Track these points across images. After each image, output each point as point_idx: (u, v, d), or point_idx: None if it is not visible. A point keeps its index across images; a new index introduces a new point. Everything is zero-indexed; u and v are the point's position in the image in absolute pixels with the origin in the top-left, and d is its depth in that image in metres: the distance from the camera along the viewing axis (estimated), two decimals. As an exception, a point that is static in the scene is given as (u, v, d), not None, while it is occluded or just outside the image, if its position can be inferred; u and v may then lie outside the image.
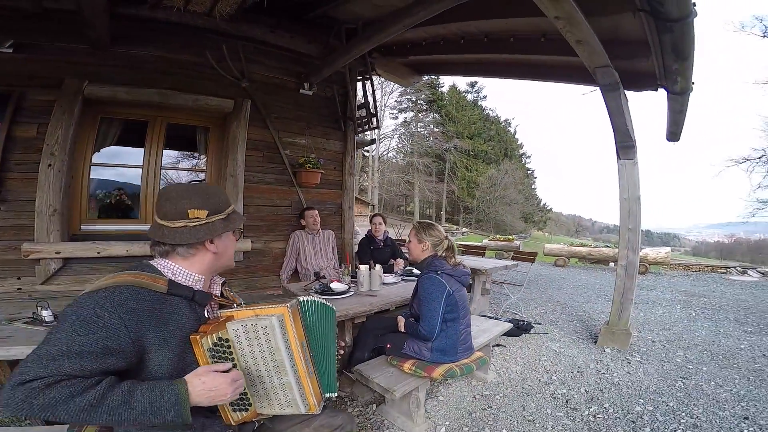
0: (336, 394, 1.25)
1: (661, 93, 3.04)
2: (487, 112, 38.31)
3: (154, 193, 3.25)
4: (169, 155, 3.49)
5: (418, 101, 33.36)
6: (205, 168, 3.61)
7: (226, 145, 3.43)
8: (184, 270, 1.04)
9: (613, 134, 3.16)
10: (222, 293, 1.18)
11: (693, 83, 2.74)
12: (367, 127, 4.34)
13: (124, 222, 3.25)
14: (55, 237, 2.66)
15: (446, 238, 2.21)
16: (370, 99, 4.27)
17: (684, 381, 2.73)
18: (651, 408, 2.37)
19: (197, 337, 0.96)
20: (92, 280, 2.59)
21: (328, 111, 4.16)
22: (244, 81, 3.40)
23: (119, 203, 3.32)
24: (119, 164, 3.31)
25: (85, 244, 2.79)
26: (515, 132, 41.09)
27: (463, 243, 14.23)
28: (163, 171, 3.34)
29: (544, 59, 3.62)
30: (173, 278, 1.02)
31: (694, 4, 2.00)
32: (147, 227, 3.09)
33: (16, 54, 2.62)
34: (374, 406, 2.40)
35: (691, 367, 2.98)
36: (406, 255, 4.06)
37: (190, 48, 3.23)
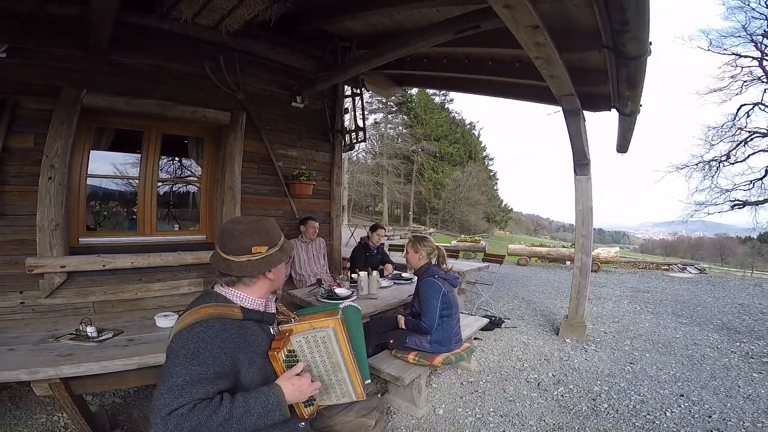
0: (369, 380, 1.52)
1: (614, 112, 3.48)
2: (453, 114, 39.23)
3: (151, 204, 3.29)
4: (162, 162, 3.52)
5: (388, 103, 33.67)
6: (199, 178, 3.68)
7: (224, 157, 3.50)
8: (249, 296, 1.23)
9: (572, 153, 3.63)
10: (277, 309, 1.37)
11: (641, 106, 3.22)
12: (355, 139, 4.60)
13: (123, 234, 3.26)
14: (57, 251, 2.64)
15: (437, 248, 2.57)
16: (359, 113, 4.51)
17: (631, 366, 3.21)
18: (606, 388, 2.81)
19: (274, 353, 1.18)
20: (95, 293, 2.73)
21: (318, 123, 4.35)
22: (239, 93, 3.50)
23: (116, 214, 3.33)
24: (116, 176, 3.32)
25: (91, 258, 2.80)
26: (479, 135, 42.46)
27: (432, 243, 14.80)
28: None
29: (518, 81, 3.99)
30: (242, 304, 1.20)
31: (651, 43, 2.35)
32: (146, 239, 3.24)
33: (9, 59, 2.52)
34: (380, 395, 2.69)
35: (636, 354, 3.47)
36: (395, 262, 4.46)
37: (186, 57, 3.25)
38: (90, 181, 3.09)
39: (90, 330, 1.81)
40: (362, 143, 4.77)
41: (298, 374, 1.17)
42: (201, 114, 3.30)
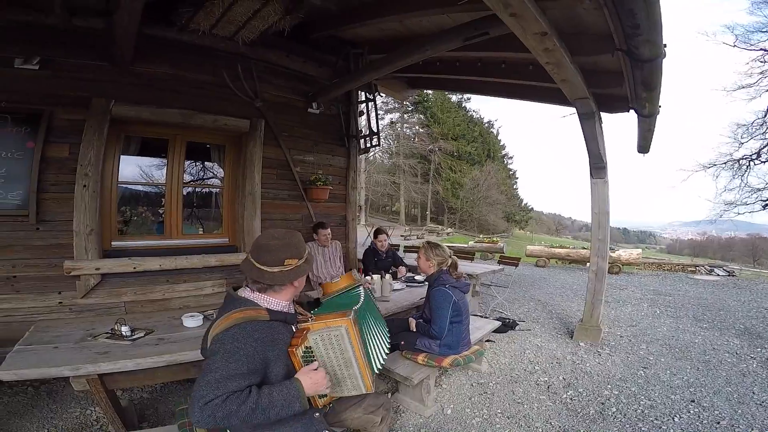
0: (377, 373, 1.61)
1: (633, 113, 3.39)
2: (471, 113, 38.81)
3: (177, 209, 3.48)
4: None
5: (404, 103, 33.70)
6: (221, 184, 3.86)
7: (244, 163, 3.66)
8: (276, 301, 1.39)
9: (588, 156, 3.59)
10: (295, 309, 1.52)
11: (660, 107, 3.15)
12: (369, 144, 4.69)
13: (152, 238, 3.46)
14: (92, 254, 2.83)
15: (450, 257, 2.61)
16: (373, 118, 4.59)
17: (645, 370, 3.17)
18: (617, 392, 2.79)
19: (293, 349, 1.33)
20: (126, 294, 2.95)
21: (333, 128, 4.46)
22: (257, 101, 3.64)
23: (145, 219, 3.54)
24: (144, 183, 3.51)
25: (123, 261, 2.97)
26: (498, 133, 42.05)
27: (449, 245, 14.70)
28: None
29: (532, 83, 3.94)
30: (268, 307, 1.35)
31: (665, 46, 2.32)
32: (172, 242, 3.44)
33: (41, 71, 2.67)
34: (389, 394, 2.78)
35: (651, 358, 3.42)
36: (408, 264, 4.53)
37: (205, 67, 3.39)
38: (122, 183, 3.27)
39: (125, 329, 1.98)
40: (377, 147, 4.86)
41: (314, 369, 1.31)
42: (222, 122, 3.46)
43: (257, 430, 1.36)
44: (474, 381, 3.01)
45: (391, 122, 34.83)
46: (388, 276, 3.31)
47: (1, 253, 2.56)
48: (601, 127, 3.44)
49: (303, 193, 4.12)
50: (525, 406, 2.63)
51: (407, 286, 3.67)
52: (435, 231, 28.68)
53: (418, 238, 22.82)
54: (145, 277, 3.13)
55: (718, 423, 2.38)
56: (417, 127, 35.71)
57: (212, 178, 3.97)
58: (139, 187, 3.58)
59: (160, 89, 3.18)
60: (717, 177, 12.91)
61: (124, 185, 3.35)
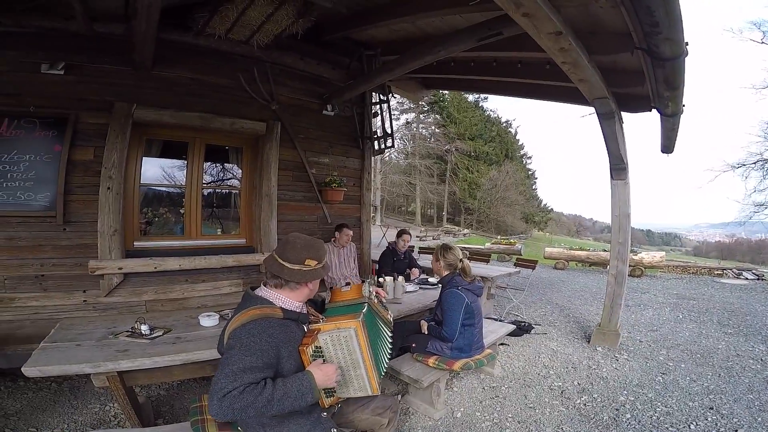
0: (383, 375, 1.64)
1: (655, 113, 3.29)
2: (488, 113, 38.64)
3: (197, 210, 3.57)
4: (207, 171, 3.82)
5: (420, 103, 33.66)
6: (239, 185, 3.95)
7: (261, 166, 3.72)
8: (290, 300, 1.45)
9: (608, 157, 3.49)
10: (307, 311, 1.57)
11: (684, 106, 3.04)
12: (383, 145, 4.72)
13: (172, 238, 3.56)
14: (116, 254, 2.93)
15: (461, 260, 2.59)
16: (387, 119, 4.62)
17: (663, 376, 3.08)
18: (632, 398, 2.72)
19: (303, 347, 1.37)
20: (147, 293, 3.07)
21: (348, 130, 4.49)
22: (273, 103, 3.70)
23: (166, 220, 3.67)
24: (164, 185, 3.62)
25: (144, 261, 3.07)
26: (516, 133, 41.67)
27: (466, 246, 14.58)
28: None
29: (549, 83, 3.87)
30: (282, 306, 1.41)
31: (687, 44, 2.25)
32: (192, 242, 3.52)
33: (66, 76, 2.75)
34: (400, 396, 2.77)
35: (671, 364, 3.32)
36: (422, 266, 4.55)
37: (222, 70, 3.46)
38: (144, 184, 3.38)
39: (144, 328, 2.05)
40: (391, 148, 4.88)
41: (324, 363, 1.37)
42: (239, 125, 3.53)
43: (267, 428, 1.40)
44: (486, 385, 2.99)
45: (407, 122, 34.76)
46: (400, 278, 3.32)
47: (30, 252, 2.69)
48: (622, 127, 3.34)
49: (318, 194, 4.17)
50: (537, 411, 2.59)
51: (420, 288, 3.67)
52: (451, 232, 28.46)
53: (434, 239, 22.68)
54: (165, 276, 3.23)
55: (736, 431, 2.32)
56: (433, 127, 35.55)
57: (231, 179, 4.07)
58: (161, 189, 3.69)
59: (180, 93, 3.26)
60: (746, 177, 12.35)
61: (146, 186, 3.46)
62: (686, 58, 2.38)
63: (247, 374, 1.19)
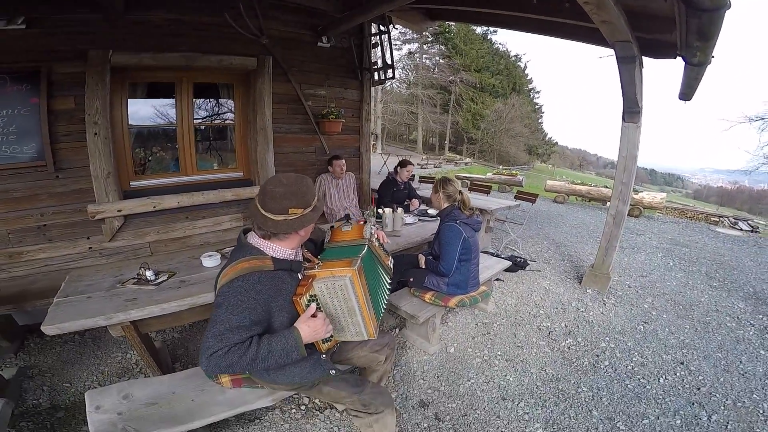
0: (382, 316, 1.69)
1: (679, 60, 3.02)
2: (497, 46, 36.23)
3: (190, 146, 3.50)
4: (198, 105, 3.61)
5: (424, 33, 31.00)
6: (233, 120, 3.80)
7: (253, 100, 3.57)
8: (282, 248, 1.39)
9: (623, 100, 3.25)
10: (303, 256, 1.53)
11: (713, 57, 2.75)
12: (384, 77, 4.45)
13: (169, 176, 3.51)
14: (113, 197, 2.92)
15: (460, 192, 2.54)
16: (387, 51, 4.29)
17: (645, 325, 3.19)
18: (613, 345, 2.87)
19: (297, 298, 1.35)
20: (150, 233, 3.10)
21: (346, 61, 4.22)
22: (263, 38, 3.37)
23: (160, 158, 3.56)
24: (154, 124, 3.43)
25: (142, 200, 3.07)
26: (526, 67, 39.66)
27: (467, 176, 14.47)
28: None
29: (566, 21, 3.44)
30: (274, 255, 1.36)
31: None
32: (189, 179, 3.44)
33: (30, 29, 2.55)
34: (397, 329, 2.98)
35: (654, 313, 3.41)
36: (422, 196, 4.55)
37: (204, 8, 3.13)
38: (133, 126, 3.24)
39: (149, 274, 2.05)
40: (392, 80, 4.59)
41: (313, 316, 1.35)
42: (227, 62, 3.30)
43: (270, 372, 1.51)
44: (479, 321, 3.15)
45: (410, 52, 32.51)
46: (400, 210, 3.30)
47: (27, 202, 2.67)
48: (641, 72, 3.05)
49: (315, 126, 4.10)
50: (524, 350, 2.78)
51: (420, 219, 3.66)
52: (453, 160, 28.05)
53: (435, 167, 22.45)
54: (166, 215, 3.26)
55: (699, 389, 2.42)
56: (437, 58, 33.45)
57: (225, 113, 3.87)
58: (152, 128, 3.51)
59: (159, 35, 2.99)
60: (762, 131, 11.84)
61: (136, 127, 3.30)
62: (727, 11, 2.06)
63: (233, 334, 1.22)
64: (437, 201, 2.60)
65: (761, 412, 2.21)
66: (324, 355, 1.53)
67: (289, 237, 1.37)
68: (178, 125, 3.39)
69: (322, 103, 4.08)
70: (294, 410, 2.14)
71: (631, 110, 3.28)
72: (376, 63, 4.47)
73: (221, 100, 3.80)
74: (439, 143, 37.12)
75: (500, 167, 25.60)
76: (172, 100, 3.34)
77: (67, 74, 2.67)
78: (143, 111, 3.32)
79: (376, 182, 4.93)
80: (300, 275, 1.42)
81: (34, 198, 2.69)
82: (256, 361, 1.24)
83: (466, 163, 27.90)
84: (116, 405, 1.54)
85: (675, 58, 2.90)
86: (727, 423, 2.13)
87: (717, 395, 2.36)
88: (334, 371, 1.55)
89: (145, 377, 2.35)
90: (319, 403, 2.18)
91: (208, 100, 3.72)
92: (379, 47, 4.40)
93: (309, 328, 1.32)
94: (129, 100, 3.12)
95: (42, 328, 1.59)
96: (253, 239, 1.39)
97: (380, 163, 15.47)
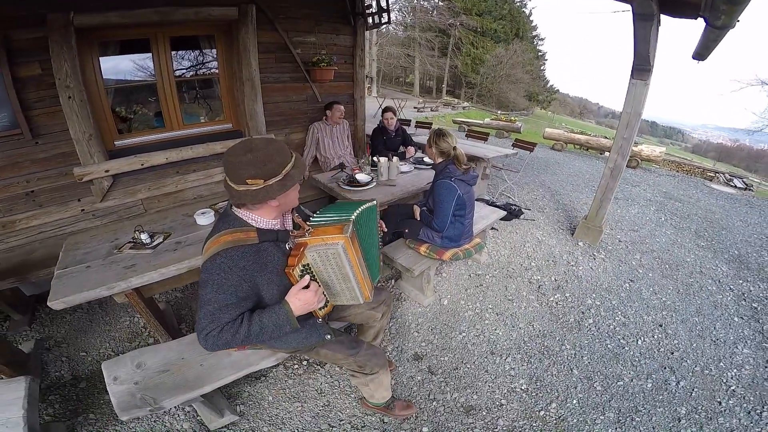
0: (379, 277, 1.75)
1: (700, 20, 2.79)
2: None
3: (173, 101, 3.31)
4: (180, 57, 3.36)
5: None
6: (218, 72, 3.56)
7: (237, 51, 3.33)
8: (263, 218, 1.32)
9: (633, 56, 3.06)
10: (293, 222, 1.47)
11: (738, 21, 2.54)
12: (378, 21, 4.16)
13: (154, 132, 3.35)
14: (98, 157, 2.81)
15: (454, 148, 2.44)
16: None
17: (630, 283, 3.22)
18: (598, 303, 2.94)
19: (289, 270, 1.31)
20: (141, 191, 3.01)
21: (337, 6, 3.91)
22: None
23: (143, 116, 3.39)
24: (132, 81, 3.20)
25: (129, 159, 2.97)
26: (530, 14, 37.17)
27: (464, 120, 14.07)
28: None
29: None
30: (258, 226, 1.30)
31: None
32: (175, 134, 3.35)
33: None
34: (393, 281, 3.07)
35: (641, 271, 3.42)
36: (417, 142, 4.47)
37: None
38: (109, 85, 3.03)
39: (144, 237, 2.02)
40: (387, 24, 4.26)
41: (305, 287, 1.32)
42: (206, 13, 3.01)
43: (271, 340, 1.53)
44: (473, 272, 3.22)
45: None
46: (395, 159, 3.24)
47: (11, 171, 2.57)
48: (658, 30, 2.82)
49: (306, 74, 3.91)
50: (514, 304, 2.88)
51: (415, 168, 3.60)
52: (450, 104, 27.11)
53: (432, 110, 21.74)
54: (155, 171, 3.19)
55: (672, 353, 2.47)
56: (436, 1, 31.07)
57: (210, 62, 3.59)
58: (131, 85, 3.26)
59: None
60: None
61: (113, 86, 3.09)
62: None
63: (223, 313, 1.22)
64: (431, 155, 2.52)
65: (724, 381, 2.28)
66: (320, 320, 1.56)
67: (262, 207, 1.29)
68: (158, 81, 3.17)
69: (313, 51, 3.83)
70: (297, 366, 2.28)
71: (642, 67, 3.09)
72: (370, 6, 4.15)
73: (204, 51, 3.52)
74: (437, 87, 35.77)
75: (499, 112, 24.86)
76: (149, 55, 3.09)
77: (29, 40, 2.44)
78: (119, 68, 3.08)
79: (371, 127, 4.78)
80: (288, 245, 1.37)
81: (17, 166, 2.59)
82: (250, 337, 1.25)
83: (464, 107, 26.99)
84: (131, 375, 1.60)
85: (696, 18, 2.66)
86: (693, 390, 2.20)
87: (688, 361, 2.42)
88: (329, 336, 1.61)
89: (154, 340, 2.45)
90: (320, 360, 2.30)
91: (189, 51, 3.44)
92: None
93: (300, 301, 1.31)
94: (102, 58, 2.89)
95: (48, 303, 1.60)
96: (236, 209, 1.33)
97: (375, 107, 14.89)
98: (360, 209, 1.51)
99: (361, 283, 1.48)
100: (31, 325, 2.58)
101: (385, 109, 4.31)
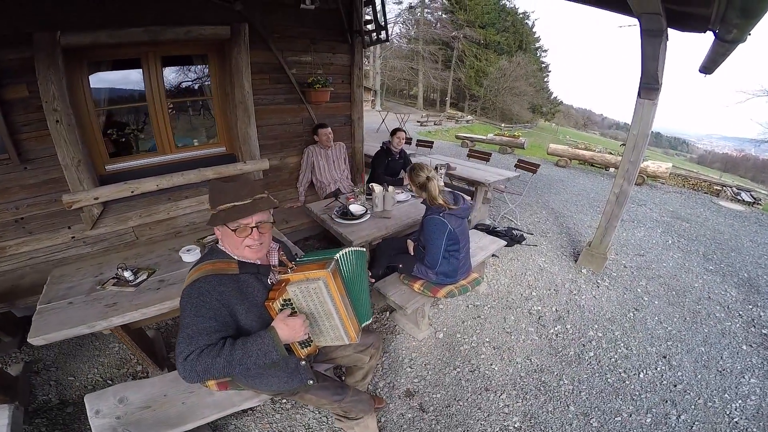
0: (371, 320, 1.69)
1: (709, 34, 2.72)
2: (503, 2, 34.79)
3: (165, 124, 3.28)
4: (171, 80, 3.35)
5: None
6: (210, 95, 3.54)
7: (230, 72, 3.29)
8: (233, 252, 1.37)
9: (640, 74, 2.97)
10: (279, 260, 1.48)
11: (749, 35, 2.47)
12: (376, 39, 4.10)
13: (147, 156, 3.32)
14: (87, 184, 2.77)
15: (427, 179, 2.30)
16: (380, 12, 3.91)
17: (635, 312, 3.11)
18: (600, 335, 2.83)
19: (269, 303, 1.32)
20: (132, 218, 2.93)
21: (333, 24, 3.84)
22: (237, 4, 3.04)
23: (134, 139, 3.35)
24: (123, 105, 3.20)
25: (119, 186, 2.92)
26: (533, 25, 38.14)
27: (468, 135, 14.03)
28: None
29: None
30: (240, 259, 1.35)
31: None
32: (168, 157, 3.28)
33: None
34: (388, 312, 2.97)
35: (646, 299, 3.31)
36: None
37: None
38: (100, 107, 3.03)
39: (127, 274, 1.99)
40: (385, 42, 4.23)
41: (291, 314, 1.31)
42: (196, 32, 2.97)
43: (249, 378, 1.51)
44: (471, 303, 3.12)
45: (411, 7, 31.28)
46: (391, 188, 3.14)
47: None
48: (666, 46, 2.75)
49: (302, 95, 3.83)
50: (512, 336, 2.77)
51: (413, 195, 3.47)
52: (454, 117, 27.28)
53: (435, 124, 21.82)
54: (146, 198, 3.15)
55: (675, 386, 2.38)
56: (440, 13, 32.15)
57: (203, 84, 3.58)
58: (122, 108, 3.28)
59: (115, 10, 2.66)
60: None
61: (103, 109, 3.08)
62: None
63: (202, 337, 1.19)
64: (416, 192, 2.45)
65: (728, 413, 2.19)
66: (304, 362, 1.50)
67: (222, 237, 1.37)
68: (150, 103, 3.14)
69: (309, 70, 3.78)
70: (285, 401, 2.20)
71: (649, 86, 2.99)
72: (369, 22, 4.08)
73: (197, 71, 3.52)
74: (440, 99, 36.19)
75: (503, 125, 24.92)
76: (141, 76, 3.07)
77: (15, 60, 2.40)
78: (110, 90, 3.08)
79: (371, 143, 4.71)
80: (271, 280, 1.40)
81: (6, 192, 2.56)
82: (233, 363, 1.19)
83: (467, 121, 27.11)
84: (113, 409, 1.60)
85: (704, 32, 2.60)
86: (693, 423, 2.12)
87: (691, 393, 2.34)
88: (312, 381, 1.54)
89: (142, 368, 2.40)
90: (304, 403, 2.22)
91: (181, 72, 3.44)
92: (370, 6, 4.00)
93: (287, 327, 1.27)
94: (93, 79, 2.87)
95: (29, 340, 1.58)
96: (221, 245, 1.39)
97: (378, 121, 14.96)
98: (346, 249, 1.50)
99: (346, 323, 1.43)
100: (21, 347, 2.54)
101: (395, 130, 4.24)
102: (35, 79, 2.42)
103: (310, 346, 1.48)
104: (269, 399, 2.08)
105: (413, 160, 4.48)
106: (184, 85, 3.52)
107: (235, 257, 1.35)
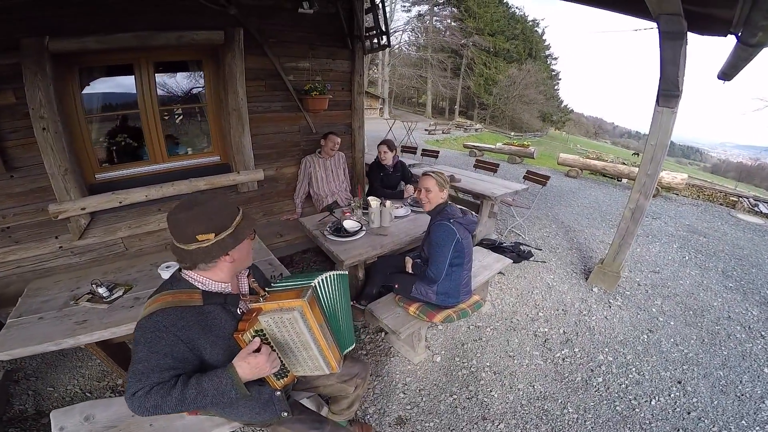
0: (353, 346, 1.58)
1: (730, 38, 2.56)
2: (513, 10, 35.31)
3: (157, 133, 3.20)
4: (164, 86, 3.29)
5: None
6: (204, 102, 3.45)
7: (224, 79, 3.20)
8: (211, 281, 1.23)
9: (659, 80, 2.79)
10: (249, 287, 1.37)
11: None
12: (377, 45, 3.98)
13: (137, 165, 3.24)
14: (74, 194, 2.70)
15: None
16: (381, 17, 3.81)
17: (649, 334, 2.92)
18: (610, 359, 2.64)
19: (239, 335, 1.20)
20: (121, 229, 2.78)
21: (333, 29, 3.73)
22: (231, 8, 2.96)
23: (126, 147, 3.28)
24: (114, 113, 3.15)
25: (107, 196, 2.85)
26: (543, 33, 38.35)
27: (476, 145, 13.88)
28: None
29: None
30: (204, 288, 1.21)
31: None
32: (160, 167, 3.17)
33: None
34: (383, 333, 2.81)
35: (661, 319, 3.12)
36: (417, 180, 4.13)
37: None
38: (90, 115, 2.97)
39: (102, 290, 1.92)
40: (386, 48, 4.11)
41: (256, 350, 1.19)
42: (189, 38, 2.89)
43: (218, 408, 1.40)
44: (472, 323, 2.96)
45: (419, 14, 31.61)
46: (388, 203, 2.98)
47: None
48: (686, 50, 2.60)
49: (299, 103, 3.70)
50: (515, 361, 2.60)
51: (413, 210, 3.28)
52: (463, 126, 27.22)
53: (444, 132, 21.76)
54: (136, 209, 3.07)
55: (689, 413, 2.23)
56: (449, 21, 32.57)
57: (197, 91, 3.52)
58: (113, 115, 3.22)
59: (106, 15, 2.61)
60: None
61: (93, 116, 3.02)
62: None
63: (154, 374, 1.10)
64: (427, 201, 2.32)
65: None
66: (279, 392, 1.38)
67: (216, 266, 1.21)
68: (141, 110, 3.07)
69: (307, 77, 3.66)
70: (260, 429, 2.05)
71: (669, 93, 2.80)
72: (371, 28, 3.96)
73: (190, 78, 3.45)
74: (449, 107, 36.30)
75: (512, 134, 24.73)
76: (132, 83, 3.01)
77: (2, 66, 2.36)
78: (101, 97, 3.02)
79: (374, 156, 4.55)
80: (241, 309, 1.28)
81: (-10, 201, 2.51)
82: (185, 402, 1.10)
83: (476, 130, 27.02)
84: (78, 427, 1.52)
85: (725, 35, 2.44)
86: None
87: (705, 421, 2.17)
88: (286, 413, 1.42)
89: (123, 383, 2.31)
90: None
91: (174, 79, 3.38)
92: (372, 11, 3.90)
93: (249, 365, 1.17)
94: (84, 86, 2.83)
95: None
96: (184, 272, 1.24)
97: (386, 129, 14.90)
98: (324, 275, 1.39)
99: (326, 353, 1.32)
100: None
101: (381, 143, 3.91)
102: (22, 85, 2.38)
103: (286, 376, 1.37)
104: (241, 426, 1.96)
105: (416, 171, 4.32)
106: (178, 92, 3.46)
107: (200, 286, 1.21)
